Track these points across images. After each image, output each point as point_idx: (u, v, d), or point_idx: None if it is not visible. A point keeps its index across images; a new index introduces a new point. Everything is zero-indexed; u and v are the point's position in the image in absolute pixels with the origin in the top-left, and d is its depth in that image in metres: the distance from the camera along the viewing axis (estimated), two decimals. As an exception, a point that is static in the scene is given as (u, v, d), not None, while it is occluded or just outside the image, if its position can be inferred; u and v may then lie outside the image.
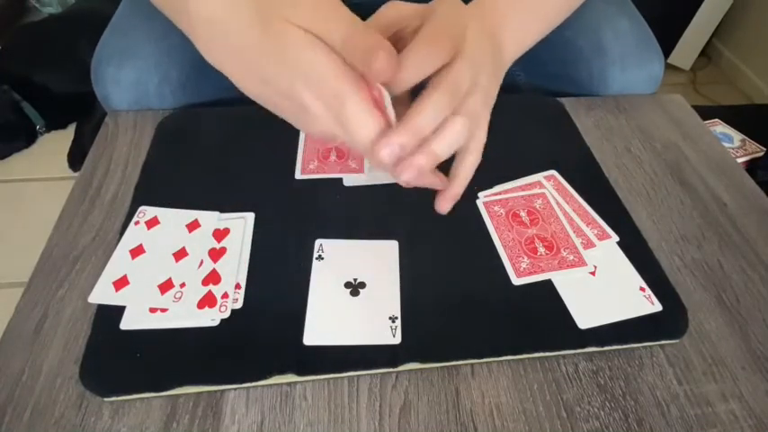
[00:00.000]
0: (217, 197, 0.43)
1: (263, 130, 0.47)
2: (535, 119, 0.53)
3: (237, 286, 0.37)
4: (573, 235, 0.41)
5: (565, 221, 0.42)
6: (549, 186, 0.45)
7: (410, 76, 0.28)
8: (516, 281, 0.38)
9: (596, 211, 0.43)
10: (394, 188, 0.43)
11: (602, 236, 0.42)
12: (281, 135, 0.46)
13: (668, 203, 0.47)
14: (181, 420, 0.32)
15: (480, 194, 0.44)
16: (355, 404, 0.33)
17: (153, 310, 0.36)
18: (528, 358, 0.36)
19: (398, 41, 0.32)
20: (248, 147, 0.48)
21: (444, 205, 0.34)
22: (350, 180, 0.45)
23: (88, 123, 1.43)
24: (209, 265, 0.38)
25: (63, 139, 1.46)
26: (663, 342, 0.37)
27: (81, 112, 1.44)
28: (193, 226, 0.41)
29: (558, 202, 0.44)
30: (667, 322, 0.37)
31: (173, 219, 0.41)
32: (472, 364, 0.35)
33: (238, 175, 0.46)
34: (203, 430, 0.32)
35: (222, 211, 0.42)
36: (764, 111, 1.53)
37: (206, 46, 0.32)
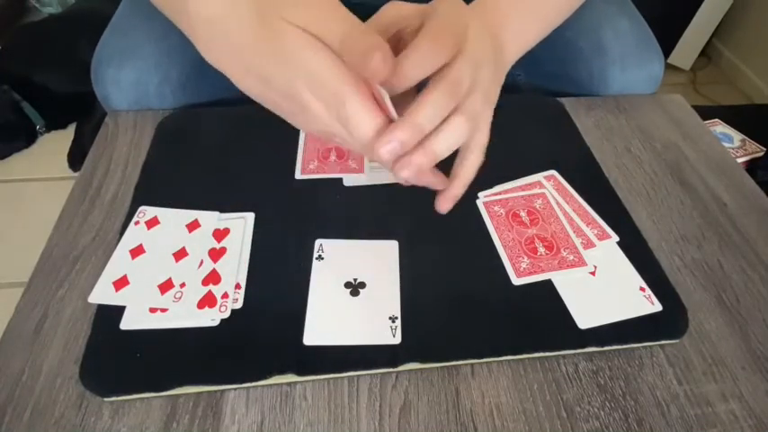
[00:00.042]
0: (217, 197, 0.43)
1: (264, 129, 0.47)
2: (535, 119, 0.53)
3: (237, 286, 0.37)
4: (573, 235, 0.41)
5: (565, 221, 0.42)
6: (549, 186, 0.45)
7: (412, 73, 0.28)
8: (516, 281, 0.38)
9: (596, 211, 0.43)
10: (394, 188, 0.44)
11: (602, 236, 0.42)
12: (281, 135, 0.46)
13: (668, 203, 0.47)
14: (181, 420, 0.32)
15: (480, 194, 0.44)
16: (355, 404, 0.33)
17: (153, 310, 0.36)
18: (528, 358, 0.36)
19: (399, 41, 0.32)
20: (248, 147, 0.48)
21: (445, 205, 0.34)
22: (350, 180, 0.45)
23: (88, 123, 1.43)
24: (209, 265, 0.38)
25: (63, 139, 1.46)
26: (663, 342, 0.37)
27: (81, 112, 1.44)
28: (193, 226, 0.41)
29: (558, 202, 0.44)
30: (667, 322, 0.37)
31: (173, 219, 0.41)
32: (472, 364, 0.35)
33: (238, 175, 0.46)
34: (203, 430, 0.32)
35: (222, 211, 0.42)
36: (764, 111, 1.53)
37: (206, 46, 0.32)
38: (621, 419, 0.33)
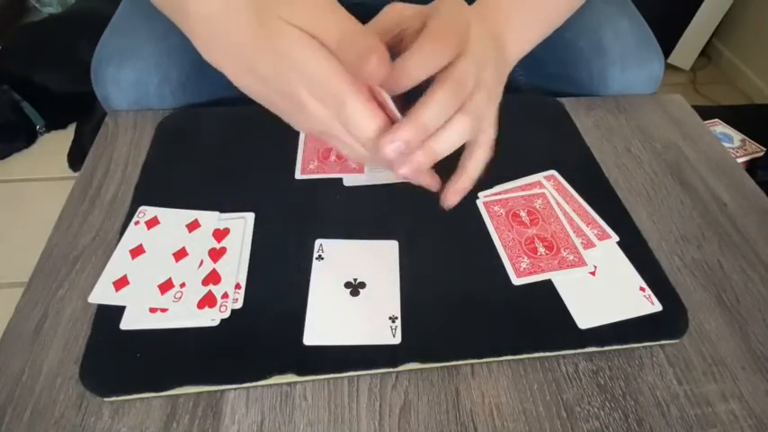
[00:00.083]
0: (217, 197, 0.43)
1: (263, 129, 0.47)
2: (535, 119, 0.53)
3: (237, 286, 0.37)
4: (573, 235, 0.41)
5: (565, 221, 0.42)
6: (549, 186, 0.45)
7: (415, 73, 0.28)
8: (516, 281, 0.38)
9: (596, 211, 0.43)
10: (394, 188, 0.44)
11: (602, 236, 0.42)
12: (281, 135, 0.46)
13: (668, 203, 0.47)
14: (181, 420, 0.32)
15: (480, 194, 0.44)
16: (355, 404, 0.33)
17: (153, 310, 0.36)
18: (528, 358, 0.36)
19: (400, 43, 0.32)
20: (248, 147, 0.48)
21: (451, 198, 0.34)
22: (350, 180, 0.45)
23: (88, 123, 1.43)
24: (209, 265, 0.38)
25: (63, 139, 1.46)
26: (663, 342, 0.37)
27: (81, 112, 1.44)
28: (193, 226, 0.41)
29: (558, 202, 0.44)
30: (667, 322, 0.37)
31: (173, 219, 0.41)
32: (472, 364, 0.35)
33: (238, 175, 0.46)
34: (203, 430, 0.32)
35: (222, 211, 0.42)
36: (764, 111, 1.53)
37: (205, 45, 0.32)
38: (621, 419, 0.33)
